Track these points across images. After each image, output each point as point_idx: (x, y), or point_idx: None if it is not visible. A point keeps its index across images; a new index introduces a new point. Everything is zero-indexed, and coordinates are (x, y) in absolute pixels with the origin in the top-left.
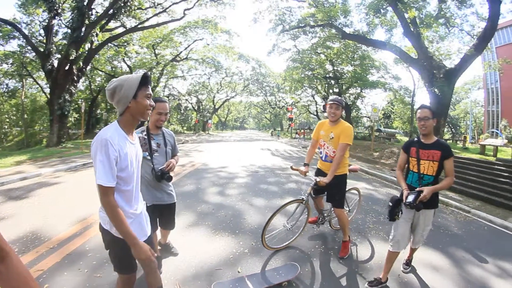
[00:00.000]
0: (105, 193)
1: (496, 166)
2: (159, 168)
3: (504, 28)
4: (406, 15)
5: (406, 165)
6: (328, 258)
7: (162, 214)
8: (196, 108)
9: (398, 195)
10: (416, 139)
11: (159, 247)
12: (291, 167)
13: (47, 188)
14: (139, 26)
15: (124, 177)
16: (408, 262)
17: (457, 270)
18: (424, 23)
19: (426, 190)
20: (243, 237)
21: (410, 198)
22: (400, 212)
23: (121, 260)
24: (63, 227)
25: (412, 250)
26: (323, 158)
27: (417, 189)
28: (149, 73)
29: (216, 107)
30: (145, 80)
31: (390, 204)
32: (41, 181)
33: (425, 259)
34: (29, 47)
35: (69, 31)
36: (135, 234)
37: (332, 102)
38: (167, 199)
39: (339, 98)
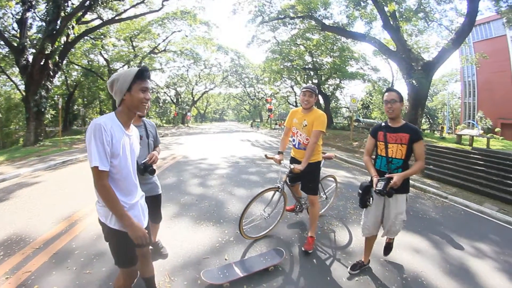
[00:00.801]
0: (100, 176)
1: (472, 155)
2: (142, 162)
3: (482, 24)
4: (386, 9)
5: (375, 151)
6: None
7: (148, 206)
8: (174, 100)
9: (368, 181)
10: (383, 123)
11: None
12: (266, 156)
13: (27, 188)
14: (116, 18)
15: (116, 164)
16: (387, 246)
17: (435, 251)
18: (404, 16)
19: (396, 177)
20: (228, 226)
21: (380, 185)
22: (371, 198)
23: (120, 253)
24: (47, 226)
25: (388, 241)
26: (296, 146)
27: (387, 175)
28: (147, 67)
29: (195, 99)
30: (140, 74)
31: (360, 191)
32: (21, 182)
33: (405, 242)
34: (1, 42)
35: (44, 24)
36: None
37: (305, 89)
38: (152, 191)
39: (313, 86)
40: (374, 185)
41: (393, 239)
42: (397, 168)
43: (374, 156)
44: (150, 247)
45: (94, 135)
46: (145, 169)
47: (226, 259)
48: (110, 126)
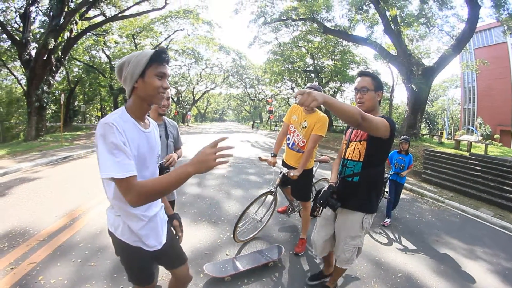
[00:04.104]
0: (127, 186)
1: (469, 161)
2: (159, 163)
3: (483, 31)
4: (388, 13)
5: None
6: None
7: None
8: (175, 99)
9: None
10: None
11: None
12: (260, 158)
13: (29, 183)
14: (120, 15)
15: None
16: (318, 276)
17: (430, 252)
18: (405, 21)
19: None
20: (228, 223)
21: (319, 192)
22: (320, 208)
23: (130, 268)
24: (51, 220)
25: (335, 270)
26: (290, 146)
27: (331, 182)
28: (165, 48)
29: (196, 98)
30: (157, 56)
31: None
32: (22, 176)
33: (400, 242)
34: (4, 36)
35: (47, 19)
36: (148, 240)
37: (309, 89)
38: (168, 196)
39: (318, 85)
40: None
41: (339, 271)
42: (353, 175)
43: None
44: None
45: (104, 138)
46: (161, 172)
47: (227, 255)
48: (121, 125)
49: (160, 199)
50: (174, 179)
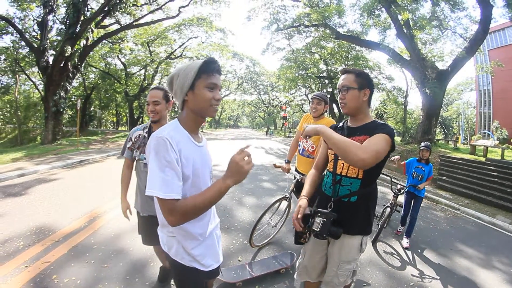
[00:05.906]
0: (170, 208)
1: (486, 166)
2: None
3: (496, 32)
4: (400, 17)
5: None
6: None
7: None
8: None
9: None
10: (342, 123)
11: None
12: (274, 165)
13: (46, 184)
14: (134, 23)
15: (185, 188)
16: None
17: (443, 262)
18: (418, 25)
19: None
20: (242, 230)
21: (317, 223)
22: (308, 233)
23: (182, 286)
24: (66, 221)
25: None
26: (300, 152)
27: (304, 195)
28: (214, 58)
29: None
30: (206, 67)
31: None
32: (39, 178)
33: (413, 252)
34: (22, 43)
35: (64, 27)
36: (204, 259)
37: (314, 97)
38: None
39: (322, 93)
40: (296, 214)
41: None
42: (350, 194)
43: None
44: None
45: (157, 153)
46: None
47: (239, 260)
48: (177, 140)
49: (215, 216)
50: (216, 193)
